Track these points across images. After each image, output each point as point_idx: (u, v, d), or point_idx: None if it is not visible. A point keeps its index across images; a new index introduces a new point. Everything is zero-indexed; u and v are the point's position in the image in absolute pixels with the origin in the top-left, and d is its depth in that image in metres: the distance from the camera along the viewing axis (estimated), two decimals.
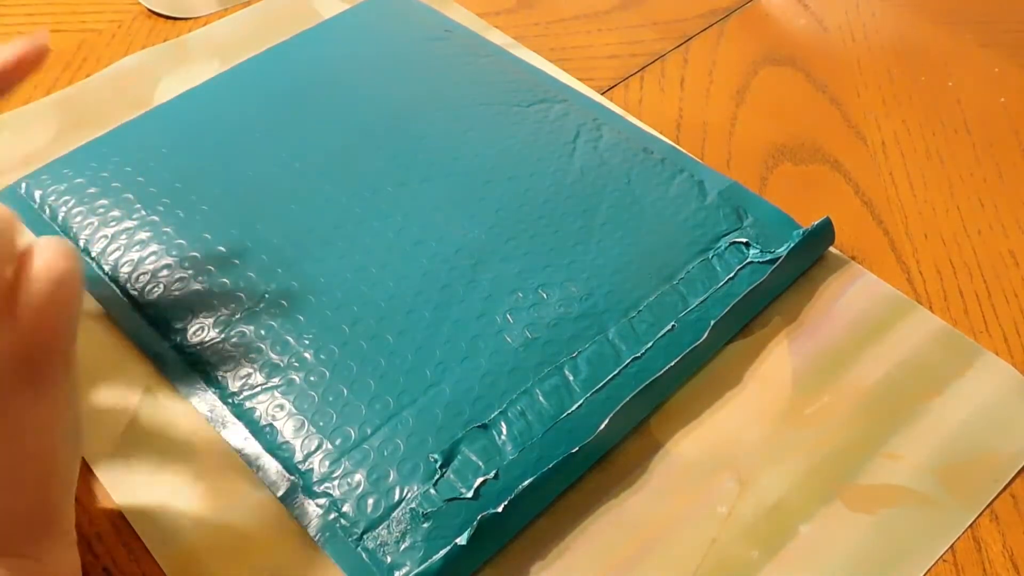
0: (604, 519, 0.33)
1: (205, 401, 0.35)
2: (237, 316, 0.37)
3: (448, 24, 0.50)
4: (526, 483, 0.31)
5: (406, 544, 0.31)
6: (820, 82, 0.49)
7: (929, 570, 0.32)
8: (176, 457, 0.34)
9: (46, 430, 0.26)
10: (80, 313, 0.26)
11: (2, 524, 0.26)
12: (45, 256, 0.25)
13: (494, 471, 0.32)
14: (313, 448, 0.33)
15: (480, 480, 0.32)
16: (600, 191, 0.42)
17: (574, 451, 0.32)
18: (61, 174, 0.42)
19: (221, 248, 0.39)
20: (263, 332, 0.36)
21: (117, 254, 0.39)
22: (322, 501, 0.32)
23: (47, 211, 0.41)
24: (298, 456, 0.33)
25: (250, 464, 0.33)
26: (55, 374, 0.26)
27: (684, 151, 0.44)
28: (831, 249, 0.41)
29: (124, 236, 0.40)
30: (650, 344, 0.36)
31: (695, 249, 0.39)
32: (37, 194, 0.41)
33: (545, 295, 0.38)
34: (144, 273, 0.38)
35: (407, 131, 0.44)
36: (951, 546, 0.32)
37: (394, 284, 0.38)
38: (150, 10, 0.52)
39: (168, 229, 0.40)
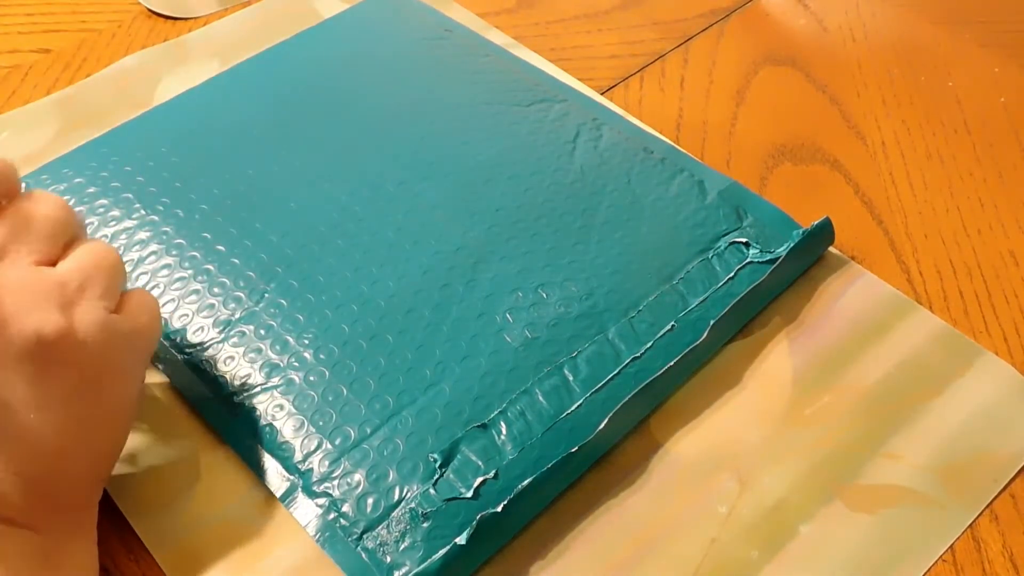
0: (604, 519, 0.33)
1: (205, 401, 0.35)
2: (237, 316, 0.37)
3: (448, 24, 0.50)
4: (526, 483, 0.31)
5: (406, 544, 0.31)
6: (820, 82, 0.49)
7: (929, 570, 0.32)
8: (176, 457, 0.34)
9: (115, 409, 0.30)
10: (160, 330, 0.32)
11: (45, 490, 0.28)
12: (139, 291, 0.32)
13: (494, 471, 0.32)
14: (313, 448, 0.33)
15: (480, 480, 0.32)
16: (600, 191, 0.42)
17: (574, 451, 0.32)
18: (61, 174, 0.42)
19: (220, 247, 0.39)
20: (263, 332, 0.36)
21: None
22: (322, 501, 0.32)
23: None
24: (298, 456, 0.33)
25: (250, 464, 0.33)
26: (141, 361, 0.31)
27: (684, 151, 0.44)
28: (831, 249, 0.41)
29: (124, 236, 0.40)
30: (650, 344, 0.36)
31: (695, 249, 0.39)
32: None
33: (545, 295, 0.38)
34: (144, 273, 0.38)
35: (407, 130, 0.44)
36: (951, 546, 0.32)
37: (394, 283, 0.38)
38: (150, 10, 0.52)
39: (168, 229, 0.40)
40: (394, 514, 0.32)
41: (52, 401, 0.27)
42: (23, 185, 0.31)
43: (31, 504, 0.27)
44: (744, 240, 0.40)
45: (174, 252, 0.39)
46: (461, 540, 0.30)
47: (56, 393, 0.27)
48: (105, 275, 0.30)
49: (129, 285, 0.38)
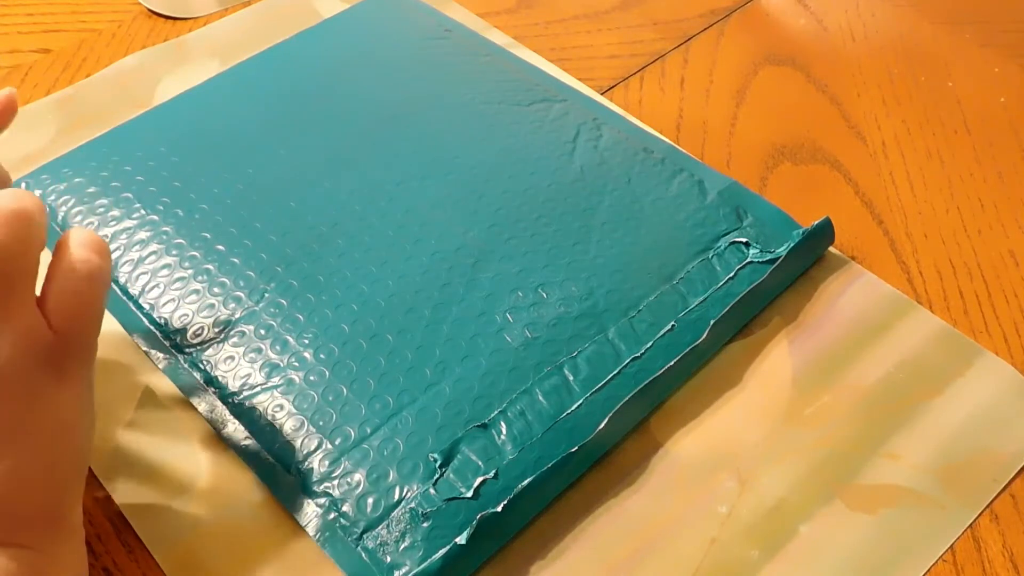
0: (604, 519, 0.33)
1: (205, 401, 0.35)
2: (237, 316, 0.37)
3: (448, 24, 0.50)
4: (525, 483, 0.31)
5: (406, 544, 0.31)
6: (820, 82, 0.49)
7: (929, 570, 0.32)
8: (176, 457, 0.34)
9: (65, 419, 0.27)
10: (105, 306, 0.27)
11: (15, 510, 0.27)
12: (79, 250, 0.26)
13: (494, 471, 0.32)
14: (313, 448, 0.33)
15: (480, 480, 0.32)
16: (600, 190, 0.42)
17: (574, 450, 0.32)
18: (61, 173, 0.42)
19: (220, 247, 0.39)
20: (263, 331, 0.36)
21: (117, 254, 0.39)
22: (322, 501, 0.32)
23: (47, 210, 0.41)
24: (298, 456, 0.33)
25: (250, 464, 0.33)
26: (79, 364, 0.27)
27: (684, 151, 0.44)
28: (831, 249, 0.41)
29: (124, 236, 0.40)
30: (650, 344, 0.36)
31: (695, 249, 0.39)
32: (37, 193, 0.42)
33: (545, 294, 0.38)
34: (144, 273, 0.38)
35: (407, 130, 0.44)
36: (951, 546, 0.32)
37: (394, 283, 0.38)
38: (150, 10, 0.52)
39: (167, 228, 0.40)
40: (394, 514, 0.32)
41: None
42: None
43: (7, 529, 0.26)
44: (744, 240, 0.40)
45: (174, 252, 0.39)
46: (461, 540, 0.30)
47: None
48: (8, 269, 0.24)
49: (129, 285, 0.38)
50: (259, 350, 0.36)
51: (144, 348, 0.36)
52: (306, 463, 0.33)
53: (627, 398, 0.34)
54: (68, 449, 0.28)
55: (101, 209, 0.41)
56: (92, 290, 0.27)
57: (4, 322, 0.25)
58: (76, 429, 0.28)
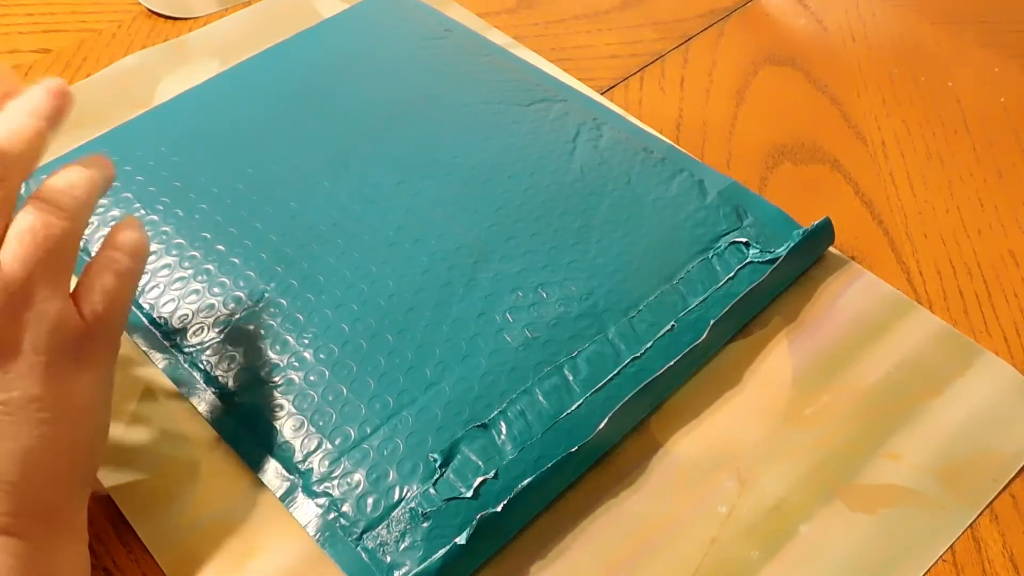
0: (604, 519, 0.33)
1: (205, 401, 0.35)
2: (237, 316, 0.37)
3: (448, 24, 0.50)
4: (525, 482, 0.31)
5: (406, 544, 0.31)
6: (820, 82, 0.49)
7: (929, 570, 0.32)
8: (176, 457, 0.34)
9: (81, 407, 0.28)
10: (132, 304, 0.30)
11: (23, 492, 0.27)
12: (117, 250, 0.29)
13: (494, 471, 0.32)
14: (313, 448, 0.33)
15: (480, 480, 0.32)
16: (600, 190, 0.42)
17: (573, 450, 0.32)
18: None
19: (220, 247, 0.39)
20: (263, 331, 0.36)
21: None
22: (322, 501, 0.32)
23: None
24: (298, 456, 0.33)
25: (250, 464, 0.33)
26: (101, 356, 0.29)
27: (684, 151, 0.44)
28: (831, 249, 0.41)
29: None
30: (650, 344, 0.36)
31: (695, 249, 0.39)
32: None
33: (545, 294, 0.38)
34: (144, 273, 0.38)
35: (407, 130, 0.44)
36: (951, 546, 0.32)
37: (394, 283, 0.38)
38: (150, 10, 0.52)
39: (167, 228, 0.40)
40: (394, 514, 0.32)
41: (16, 409, 0.26)
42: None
43: (14, 512, 0.26)
44: (744, 240, 0.40)
45: (174, 252, 0.39)
46: (461, 540, 0.30)
47: (17, 402, 0.26)
48: (49, 259, 0.26)
49: None
50: (259, 350, 0.36)
51: (144, 348, 0.36)
52: (306, 463, 0.33)
53: (627, 398, 0.34)
54: (82, 438, 0.28)
55: (101, 209, 0.41)
56: (122, 289, 0.29)
57: (43, 302, 0.26)
58: (91, 419, 0.29)
